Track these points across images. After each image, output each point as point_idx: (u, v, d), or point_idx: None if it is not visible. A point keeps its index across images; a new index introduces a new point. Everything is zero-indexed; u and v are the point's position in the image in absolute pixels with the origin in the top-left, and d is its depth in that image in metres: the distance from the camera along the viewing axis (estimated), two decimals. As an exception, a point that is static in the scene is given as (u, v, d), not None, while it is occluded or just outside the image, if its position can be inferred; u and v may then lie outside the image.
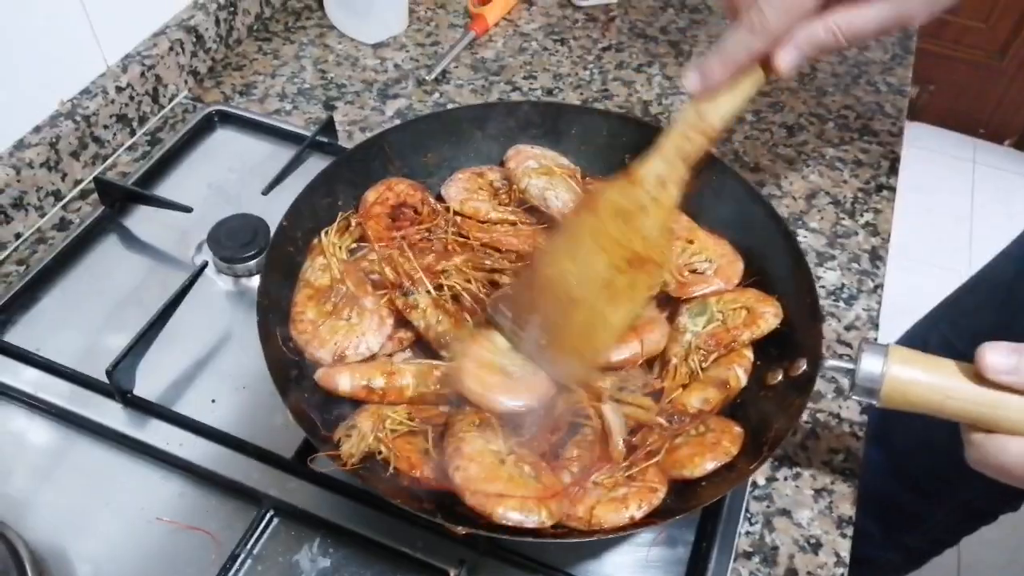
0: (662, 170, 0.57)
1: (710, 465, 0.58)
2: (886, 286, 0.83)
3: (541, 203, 0.71)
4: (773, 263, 0.67)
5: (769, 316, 0.65)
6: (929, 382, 0.52)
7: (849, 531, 0.63)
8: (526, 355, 0.60)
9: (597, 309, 0.58)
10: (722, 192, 0.70)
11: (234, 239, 0.75)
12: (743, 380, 0.64)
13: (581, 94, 0.97)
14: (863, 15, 0.54)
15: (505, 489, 0.53)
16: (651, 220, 0.58)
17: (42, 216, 0.80)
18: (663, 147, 0.57)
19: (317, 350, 0.62)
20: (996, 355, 0.49)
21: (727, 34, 0.54)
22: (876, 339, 0.76)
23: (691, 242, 0.70)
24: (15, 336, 0.71)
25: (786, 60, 0.54)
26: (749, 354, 0.65)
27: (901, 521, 1.13)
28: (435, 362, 0.62)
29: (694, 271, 0.69)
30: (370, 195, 0.70)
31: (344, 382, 0.59)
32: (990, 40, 2.45)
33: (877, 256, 0.82)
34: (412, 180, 0.72)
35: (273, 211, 0.69)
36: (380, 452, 0.57)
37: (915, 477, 1.09)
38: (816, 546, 0.62)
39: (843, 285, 0.80)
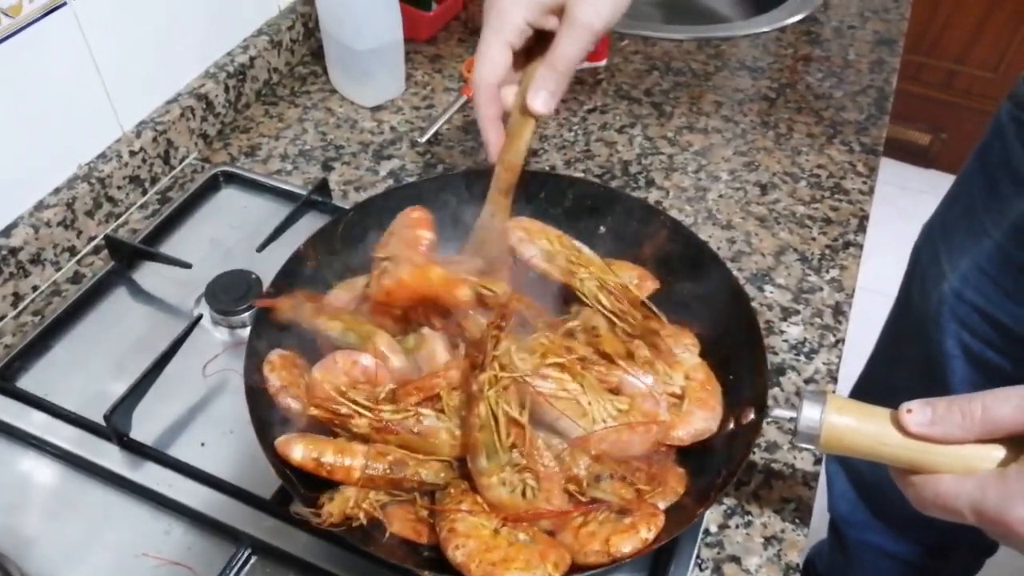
0: (493, 208, 0.72)
1: (661, 504, 0.61)
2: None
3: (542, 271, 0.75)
4: (724, 317, 0.71)
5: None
6: (863, 429, 0.56)
7: (795, 578, 0.66)
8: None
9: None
10: (676, 253, 0.75)
11: (228, 293, 0.81)
12: None
13: (564, 155, 1.03)
14: (565, 47, 0.64)
15: (507, 555, 0.55)
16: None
17: (58, 270, 0.87)
18: (490, 196, 0.72)
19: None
20: (913, 413, 0.53)
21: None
22: (834, 391, 0.79)
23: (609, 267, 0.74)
24: (27, 382, 0.77)
25: (534, 102, 0.66)
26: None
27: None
28: (393, 448, 0.61)
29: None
30: (317, 374, 0.64)
31: (297, 452, 0.59)
32: (1000, 89, 2.48)
33: (840, 311, 0.86)
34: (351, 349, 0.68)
35: (267, 266, 0.75)
36: (358, 519, 0.58)
37: (922, 542, 1.14)
38: (762, 592, 0.65)
39: (805, 340, 0.83)
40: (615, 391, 0.65)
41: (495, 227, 0.72)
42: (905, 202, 2.54)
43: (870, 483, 1.12)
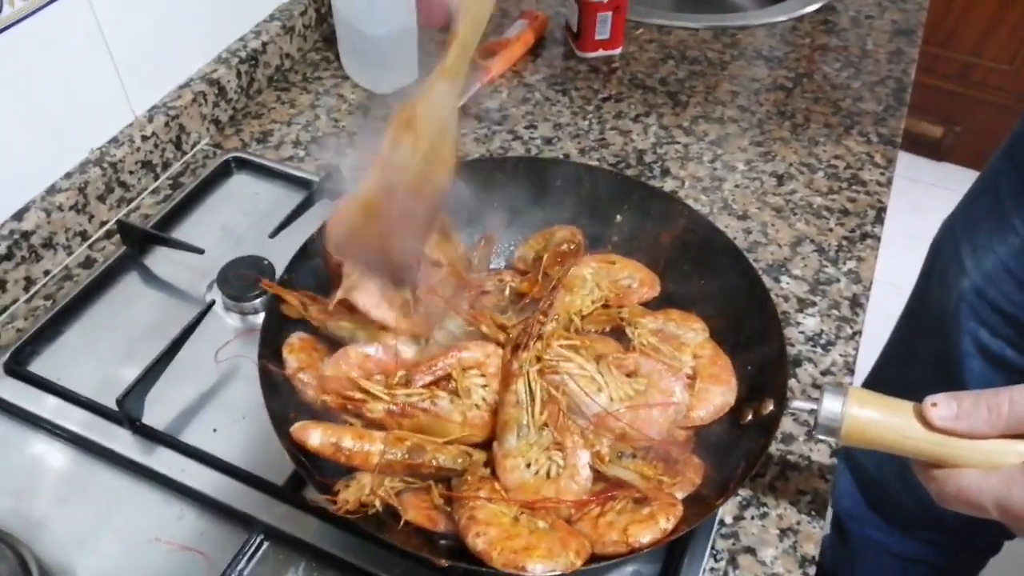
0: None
1: (679, 495, 0.61)
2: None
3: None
4: (742, 308, 0.71)
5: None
6: (886, 422, 0.55)
7: (811, 570, 0.66)
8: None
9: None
10: (694, 242, 0.74)
11: (241, 279, 0.80)
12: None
13: (579, 143, 1.02)
14: None
15: (528, 543, 0.55)
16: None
17: (69, 255, 0.86)
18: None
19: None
20: (938, 407, 0.52)
21: None
22: (851, 384, 0.78)
23: (613, 263, 0.76)
24: (39, 366, 0.77)
25: None
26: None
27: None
28: (410, 434, 0.61)
29: (619, 283, 0.75)
30: (329, 371, 0.65)
31: (315, 438, 0.58)
32: (1015, 82, 2.46)
33: (857, 303, 0.85)
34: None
35: (279, 252, 0.75)
36: (374, 507, 0.58)
37: (930, 539, 1.13)
38: (778, 584, 0.65)
39: (822, 331, 0.82)
40: (632, 375, 0.65)
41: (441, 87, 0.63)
42: (918, 195, 2.52)
43: (873, 479, 1.11)
